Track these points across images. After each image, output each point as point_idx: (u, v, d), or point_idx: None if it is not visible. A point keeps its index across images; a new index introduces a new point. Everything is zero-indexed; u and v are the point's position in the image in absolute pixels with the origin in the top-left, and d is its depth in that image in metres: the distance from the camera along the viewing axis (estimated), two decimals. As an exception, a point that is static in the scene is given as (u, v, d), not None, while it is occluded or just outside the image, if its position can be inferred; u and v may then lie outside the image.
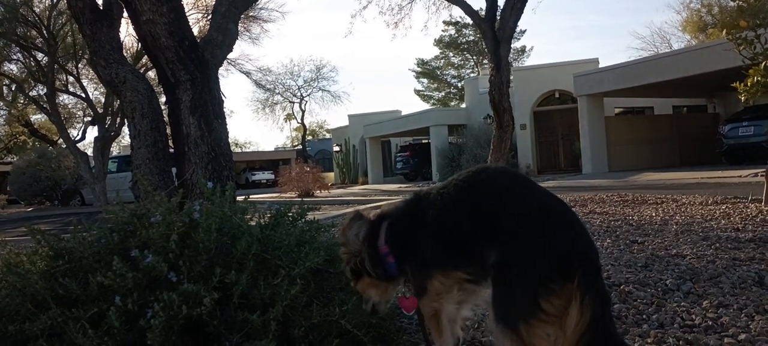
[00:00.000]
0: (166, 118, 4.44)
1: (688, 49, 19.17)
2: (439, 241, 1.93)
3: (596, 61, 21.51)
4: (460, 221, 1.89)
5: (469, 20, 14.05)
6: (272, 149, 53.47)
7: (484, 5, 10.06)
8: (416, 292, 2.06)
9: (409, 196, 2.17)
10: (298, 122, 44.38)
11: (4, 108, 23.42)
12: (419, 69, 48.39)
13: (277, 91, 42.22)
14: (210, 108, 4.07)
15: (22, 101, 21.80)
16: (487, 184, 1.90)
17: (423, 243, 1.98)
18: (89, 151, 21.09)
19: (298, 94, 42.68)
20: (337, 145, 36.39)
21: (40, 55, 18.09)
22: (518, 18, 9.79)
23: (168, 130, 4.42)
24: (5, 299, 2.31)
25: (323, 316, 2.27)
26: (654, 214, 6.69)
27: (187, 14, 4.47)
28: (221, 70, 4.71)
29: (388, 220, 2.15)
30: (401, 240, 2.08)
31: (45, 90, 18.51)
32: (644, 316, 2.85)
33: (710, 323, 2.69)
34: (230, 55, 6.26)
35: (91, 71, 17.83)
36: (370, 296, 2.23)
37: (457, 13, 41.58)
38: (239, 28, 4.81)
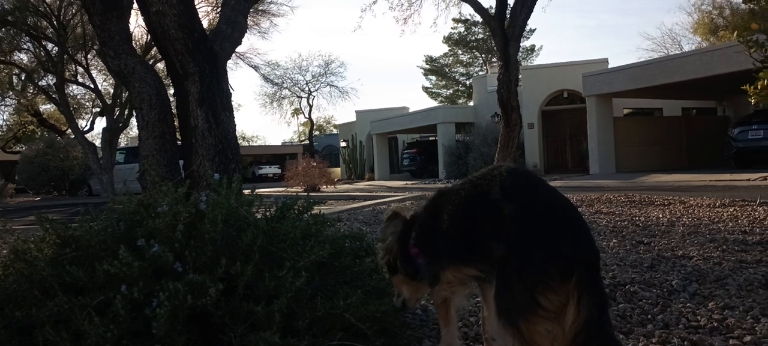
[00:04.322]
0: (174, 110, 4.45)
1: (698, 52, 19.04)
2: (452, 234, 1.97)
3: (606, 61, 21.41)
4: (471, 216, 1.93)
5: (478, 18, 14.02)
6: (279, 144, 53.53)
7: (493, 3, 10.04)
8: (429, 280, 2.12)
9: (434, 192, 2.23)
10: (305, 117, 44.46)
11: (14, 97, 23.56)
12: (428, 66, 48.36)
13: (285, 85, 42.33)
14: (218, 100, 4.08)
15: (31, 91, 21.92)
16: (498, 180, 1.91)
17: (438, 236, 2.04)
18: (97, 142, 21.17)
19: (306, 89, 42.77)
20: (344, 140, 36.39)
21: (50, 45, 18.18)
22: (528, 16, 9.76)
23: (176, 122, 4.44)
24: (12, 285, 2.32)
25: (327, 309, 2.27)
26: (661, 215, 6.66)
27: (197, 6, 4.48)
28: (230, 64, 4.72)
29: (418, 219, 2.23)
30: (424, 236, 2.15)
31: (54, 80, 18.62)
32: (649, 316, 2.84)
33: (715, 324, 2.68)
34: (239, 49, 6.27)
35: (100, 62, 17.92)
36: (402, 292, 2.33)
37: (467, 10, 41.53)
38: (248, 22, 4.81)
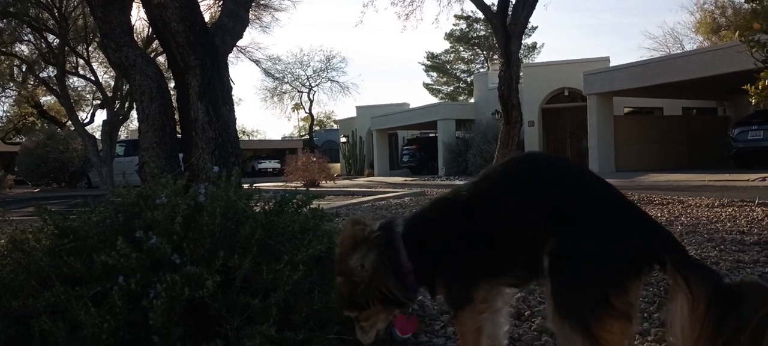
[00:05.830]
0: (174, 103, 4.45)
1: (699, 51, 19.04)
2: (489, 236, 1.74)
3: (607, 59, 21.41)
4: (513, 210, 1.71)
5: (480, 15, 14.01)
6: (279, 138, 53.47)
7: (495, 0, 10.03)
8: (457, 302, 1.84)
9: (436, 199, 1.96)
10: (305, 112, 44.43)
11: (14, 89, 23.56)
12: (429, 62, 48.33)
13: (285, 80, 42.29)
14: (218, 94, 4.08)
15: (32, 83, 21.92)
16: (548, 168, 1.75)
17: (463, 243, 1.78)
18: (97, 134, 21.16)
19: (307, 84, 42.71)
20: (344, 136, 36.41)
21: (51, 37, 18.16)
22: (530, 14, 9.76)
23: (176, 115, 4.44)
24: (10, 275, 2.33)
25: (324, 302, 2.28)
26: (659, 214, 6.66)
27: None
28: (231, 58, 4.72)
29: (405, 229, 1.91)
30: (432, 248, 1.84)
31: (55, 72, 18.58)
32: (646, 314, 2.85)
33: (712, 323, 2.68)
34: (240, 43, 6.27)
35: (101, 54, 17.92)
36: (378, 324, 1.97)
37: (469, 7, 41.52)
38: (250, 16, 4.81)
